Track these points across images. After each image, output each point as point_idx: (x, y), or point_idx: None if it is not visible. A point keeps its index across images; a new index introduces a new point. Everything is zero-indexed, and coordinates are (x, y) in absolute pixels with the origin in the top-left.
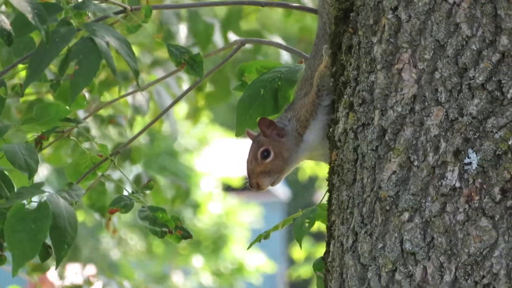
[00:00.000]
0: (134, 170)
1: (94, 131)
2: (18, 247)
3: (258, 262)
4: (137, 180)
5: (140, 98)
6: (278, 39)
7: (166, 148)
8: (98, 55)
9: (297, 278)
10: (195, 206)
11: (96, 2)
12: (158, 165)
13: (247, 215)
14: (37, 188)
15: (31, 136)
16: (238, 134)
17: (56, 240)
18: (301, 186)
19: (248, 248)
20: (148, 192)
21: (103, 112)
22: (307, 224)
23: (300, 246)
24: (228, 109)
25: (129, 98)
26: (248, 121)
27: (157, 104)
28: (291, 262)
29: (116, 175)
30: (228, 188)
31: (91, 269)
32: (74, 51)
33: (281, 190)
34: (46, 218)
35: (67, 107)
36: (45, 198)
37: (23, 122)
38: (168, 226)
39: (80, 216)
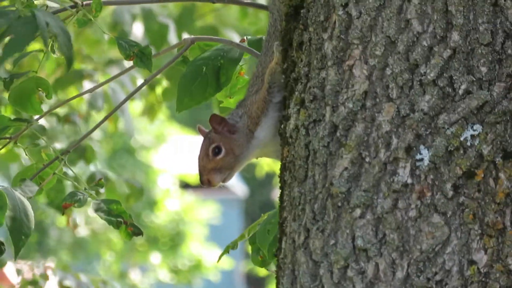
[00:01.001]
0: (91, 168)
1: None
2: None
3: (215, 259)
4: (91, 178)
5: (95, 94)
6: (234, 35)
7: (124, 145)
8: (34, 26)
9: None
10: (153, 203)
11: None
12: (116, 162)
13: (204, 212)
14: None
15: None
16: (178, 110)
17: (14, 231)
18: (258, 183)
19: (218, 261)
20: (102, 190)
21: (59, 111)
22: (269, 231)
23: (265, 254)
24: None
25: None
26: (189, 98)
27: (112, 101)
28: (248, 257)
29: (71, 173)
30: (185, 185)
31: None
32: (13, 24)
33: (238, 187)
34: (2, 207)
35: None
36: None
37: None
38: (123, 217)
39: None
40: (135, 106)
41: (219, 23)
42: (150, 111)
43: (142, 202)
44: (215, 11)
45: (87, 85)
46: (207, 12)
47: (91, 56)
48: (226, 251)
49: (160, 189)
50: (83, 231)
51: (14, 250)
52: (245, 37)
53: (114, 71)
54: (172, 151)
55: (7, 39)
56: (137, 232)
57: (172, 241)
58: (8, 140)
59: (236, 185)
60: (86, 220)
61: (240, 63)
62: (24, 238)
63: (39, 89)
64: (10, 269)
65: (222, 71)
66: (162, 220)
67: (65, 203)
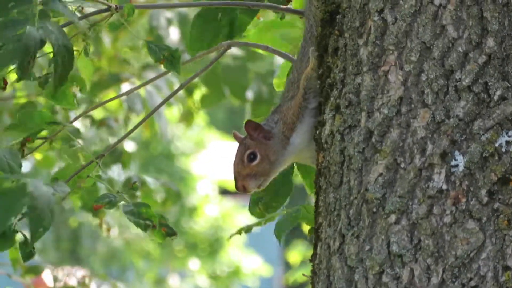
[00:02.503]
0: (129, 172)
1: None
2: None
3: (254, 265)
4: (127, 181)
5: (134, 97)
6: None
7: (163, 150)
8: (22, 45)
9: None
10: (192, 209)
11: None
12: (154, 167)
13: (243, 218)
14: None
15: (17, 142)
16: (190, 51)
17: (33, 220)
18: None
19: (228, 239)
20: (137, 193)
21: (97, 115)
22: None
23: (279, 242)
24: (225, 112)
25: (122, 98)
26: (201, 41)
27: (149, 105)
28: (287, 265)
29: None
30: (224, 191)
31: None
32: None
33: None
34: (22, 196)
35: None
36: (23, 180)
37: (5, 129)
38: (152, 221)
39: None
40: (173, 112)
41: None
42: (187, 117)
43: (181, 208)
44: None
45: (125, 88)
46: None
47: (128, 61)
48: (238, 232)
49: (199, 195)
50: (116, 241)
51: (30, 239)
52: None
53: (151, 75)
54: (211, 157)
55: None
56: (171, 232)
57: (211, 247)
58: (43, 140)
59: None
60: (120, 229)
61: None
62: (42, 230)
63: (74, 83)
64: (47, 275)
65: (237, 21)
66: (201, 226)
67: (96, 205)
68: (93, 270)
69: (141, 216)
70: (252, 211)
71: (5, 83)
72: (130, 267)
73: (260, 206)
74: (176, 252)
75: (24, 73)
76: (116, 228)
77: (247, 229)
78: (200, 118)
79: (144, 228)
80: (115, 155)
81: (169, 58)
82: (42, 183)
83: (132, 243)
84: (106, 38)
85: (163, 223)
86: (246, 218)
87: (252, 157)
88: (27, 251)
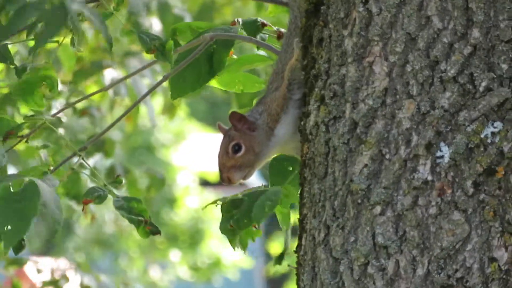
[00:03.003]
0: (111, 160)
1: (67, 122)
2: (7, 225)
3: (235, 257)
4: (110, 171)
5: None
6: None
7: (143, 142)
8: (64, 13)
9: (274, 274)
10: (172, 201)
11: None
12: (135, 159)
13: None
14: (15, 175)
15: None
16: (173, 97)
17: (47, 217)
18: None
19: (203, 208)
20: (123, 182)
21: (79, 104)
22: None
23: (258, 226)
24: (206, 104)
25: (106, 82)
26: (183, 84)
27: (135, 92)
28: (268, 257)
29: (90, 163)
30: (205, 183)
31: (65, 263)
32: (43, 13)
33: (258, 185)
34: (35, 196)
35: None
36: (29, 180)
37: None
38: (144, 216)
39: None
40: (155, 104)
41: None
42: (169, 109)
43: (162, 199)
44: (233, 8)
45: (107, 75)
46: (225, 4)
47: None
48: (213, 202)
49: (179, 187)
50: (109, 228)
51: (48, 235)
52: (236, 20)
53: (133, 62)
54: (192, 148)
55: (40, 27)
56: (155, 231)
57: (191, 239)
58: (23, 137)
59: (256, 182)
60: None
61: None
62: (56, 225)
63: (44, 83)
64: (30, 268)
65: (215, 56)
66: (182, 217)
67: (85, 199)
68: (77, 262)
69: (132, 211)
70: (223, 229)
71: None
72: (123, 254)
73: (232, 223)
74: (157, 244)
75: (78, 32)
76: (111, 216)
77: (222, 200)
78: (181, 109)
79: (138, 223)
80: (98, 144)
81: (160, 48)
82: (40, 180)
83: (124, 230)
84: (89, 29)
85: (148, 221)
86: None
87: (237, 148)
88: (18, 243)
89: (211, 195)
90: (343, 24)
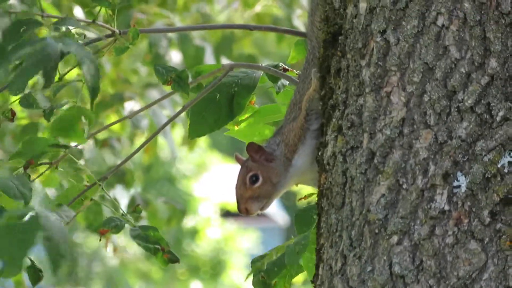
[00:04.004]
0: (132, 191)
1: (88, 154)
2: (4, 256)
3: None
4: (132, 202)
5: (138, 115)
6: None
7: (165, 174)
8: (45, 55)
9: None
10: (194, 232)
11: (82, 24)
12: (156, 190)
13: (245, 240)
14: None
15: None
16: (191, 137)
17: (51, 250)
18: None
19: (246, 279)
20: (142, 215)
21: (100, 135)
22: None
23: (292, 276)
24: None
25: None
26: (202, 125)
27: (154, 123)
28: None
29: (111, 194)
30: (226, 213)
31: None
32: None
33: (279, 215)
34: (35, 228)
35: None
36: (34, 212)
37: (10, 157)
38: (161, 244)
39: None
40: (175, 135)
41: (257, 51)
42: (189, 140)
43: (183, 230)
44: (253, 39)
45: (128, 107)
46: (245, 38)
47: (128, 81)
48: (253, 270)
49: (201, 218)
50: (113, 261)
51: (53, 269)
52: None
53: (153, 93)
54: (213, 179)
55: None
56: (174, 259)
57: (213, 270)
58: (48, 165)
59: (277, 213)
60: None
61: (254, 91)
62: (61, 258)
63: (82, 117)
64: None
65: (236, 99)
66: (203, 248)
67: (102, 229)
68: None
69: (149, 240)
70: (255, 282)
71: (13, 114)
72: None
73: (263, 274)
74: (178, 275)
75: (48, 81)
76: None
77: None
78: (202, 140)
79: (154, 252)
80: (119, 174)
81: (176, 79)
82: (50, 213)
83: (128, 263)
84: (106, 63)
85: (166, 250)
86: (247, 240)
87: (254, 179)
88: (35, 275)
89: (232, 226)
90: (361, 54)
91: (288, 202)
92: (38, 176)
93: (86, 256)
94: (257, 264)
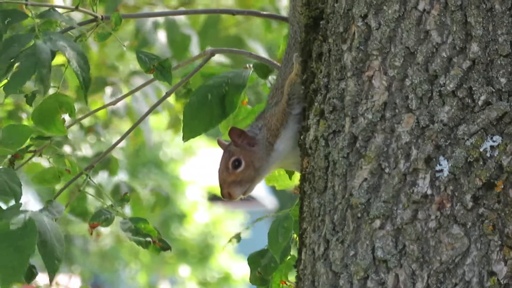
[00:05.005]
0: (117, 177)
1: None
2: (6, 265)
3: (244, 272)
4: (115, 189)
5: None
6: (259, 46)
7: (152, 157)
8: (36, 58)
9: None
10: (181, 216)
11: (65, 10)
12: (143, 174)
13: (233, 224)
14: (16, 209)
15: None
16: (185, 139)
17: (46, 255)
18: (288, 195)
19: (222, 249)
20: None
21: (85, 121)
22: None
23: (279, 260)
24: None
25: (107, 100)
26: (196, 126)
27: (135, 112)
28: None
29: (95, 180)
30: (213, 197)
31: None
32: (21, 54)
33: (268, 199)
34: (32, 234)
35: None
36: (28, 215)
37: None
38: (152, 236)
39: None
40: (161, 119)
41: (244, 34)
42: (175, 124)
43: (171, 214)
44: (239, 24)
45: (109, 92)
46: (231, 24)
47: (116, 67)
48: (229, 241)
49: (188, 202)
50: (108, 240)
51: (48, 274)
52: (247, 65)
53: (138, 81)
54: (200, 163)
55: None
56: (166, 247)
57: (201, 254)
58: (32, 153)
59: (266, 197)
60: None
61: (244, 90)
62: (57, 262)
63: (62, 108)
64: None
65: (227, 98)
66: (191, 232)
67: (92, 223)
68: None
69: (140, 232)
70: (252, 279)
71: None
72: (123, 267)
73: (260, 270)
74: (166, 259)
75: (46, 87)
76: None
77: (238, 238)
78: None
79: (146, 245)
80: (103, 162)
81: (159, 68)
82: (42, 212)
83: (124, 241)
84: (94, 46)
85: (158, 238)
86: (236, 224)
87: (237, 164)
88: (29, 272)
89: (220, 209)
90: (342, 39)
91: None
92: (21, 165)
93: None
94: (255, 264)
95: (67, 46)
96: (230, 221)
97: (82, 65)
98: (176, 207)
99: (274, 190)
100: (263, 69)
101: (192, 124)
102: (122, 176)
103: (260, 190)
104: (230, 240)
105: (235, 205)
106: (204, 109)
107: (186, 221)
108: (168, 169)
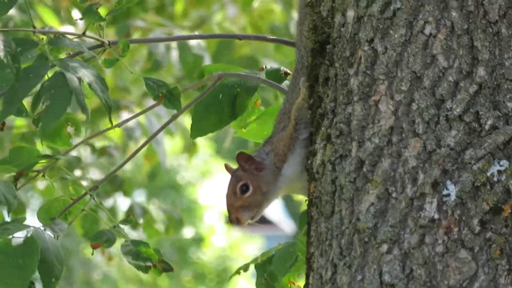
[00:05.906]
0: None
1: (86, 160)
2: (7, 282)
3: None
4: (129, 211)
5: (132, 124)
6: (274, 65)
7: (169, 181)
8: (68, 90)
9: None
10: (199, 239)
11: (73, 36)
12: (161, 198)
13: (251, 248)
14: (19, 223)
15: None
16: (193, 137)
17: (44, 274)
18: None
19: (228, 280)
20: (140, 221)
21: (98, 144)
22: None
23: (281, 280)
24: (232, 141)
25: (122, 126)
26: (205, 125)
27: (149, 133)
28: None
29: (108, 203)
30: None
31: None
32: (46, 86)
33: (285, 223)
34: (34, 253)
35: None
36: (31, 233)
37: None
38: (152, 260)
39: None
40: (176, 143)
41: (259, 54)
42: (190, 147)
43: (189, 238)
44: (252, 43)
45: (124, 116)
46: (243, 43)
47: (128, 89)
48: (236, 272)
49: (206, 225)
50: (110, 268)
51: None
52: (264, 66)
53: (151, 103)
54: (218, 186)
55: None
56: (168, 268)
57: (218, 277)
58: (36, 173)
59: (283, 221)
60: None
61: (257, 93)
62: (54, 280)
63: (68, 123)
64: None
65: (238, 100)
66: (209, 256)
67: (94, 244)
68: None
69: (140, 256)
70: (258, 284)
71: (3, 124)
72: None
73: (266, 276)
74: (184, 283)
75: (86, 111)
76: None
77: (245, 268)
78: (207, 147)
79: (145, 270)
80: (116, 183)
81: (167, 95)
82: (42, 230)
83: (126, 270)
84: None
85: (160, 259)
86: (253, 248)
87: (245, 188)
88: None
89: (237, 233)
90: (349, 63)
91: (295, 209)
92: (23, 184)
93: (81, 263)
94: (261, 269)
95: (85, 71)
96: (248, 244)
97: (102, 88)
98: (194, 231)
99: (292, 214)
100: (275, 74)
101: (201, 123)
102: (140, 198)
103: (278, 214)
104: (237, 271)
105: (252, 229)
106: (214, 109)
107: (203, 245)
108: (185, 193)
